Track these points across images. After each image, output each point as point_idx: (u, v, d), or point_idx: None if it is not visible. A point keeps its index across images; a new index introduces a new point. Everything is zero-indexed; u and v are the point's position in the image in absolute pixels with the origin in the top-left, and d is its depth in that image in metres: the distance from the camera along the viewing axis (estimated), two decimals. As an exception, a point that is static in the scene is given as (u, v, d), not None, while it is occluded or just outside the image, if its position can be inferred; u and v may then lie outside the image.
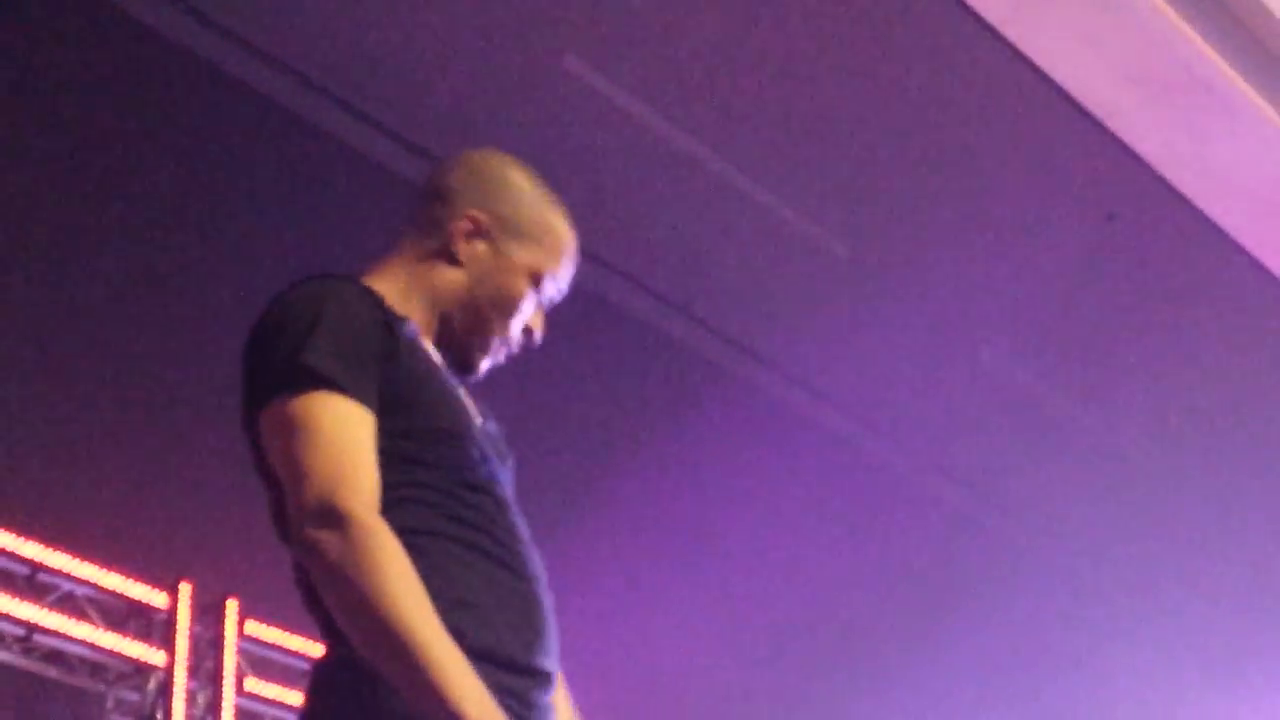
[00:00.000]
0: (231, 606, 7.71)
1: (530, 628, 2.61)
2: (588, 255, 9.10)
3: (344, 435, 2.52)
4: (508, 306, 2.82)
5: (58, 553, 7.23)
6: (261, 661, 7.90)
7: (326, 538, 2.43)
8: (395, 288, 2.78)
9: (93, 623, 7.38)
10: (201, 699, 7.64)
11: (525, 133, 8.34)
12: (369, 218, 8.39)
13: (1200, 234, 8.42)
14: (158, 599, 7.54)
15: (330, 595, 2.46)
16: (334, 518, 2.44)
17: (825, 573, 9.59)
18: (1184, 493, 10.67)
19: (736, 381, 9.67)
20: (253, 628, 7.78)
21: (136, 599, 7.50)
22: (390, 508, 2.52)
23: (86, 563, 7.32)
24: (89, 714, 7.50)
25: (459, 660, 2.39)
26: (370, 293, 2.69)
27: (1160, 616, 11.14)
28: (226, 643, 7.67)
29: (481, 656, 2.47)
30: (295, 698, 7.90)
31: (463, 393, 2.80)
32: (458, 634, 2.45)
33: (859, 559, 9.83)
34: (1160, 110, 7.54)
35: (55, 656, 7.37)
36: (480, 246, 2.82)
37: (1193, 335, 9.52)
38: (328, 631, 2.62)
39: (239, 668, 7.73)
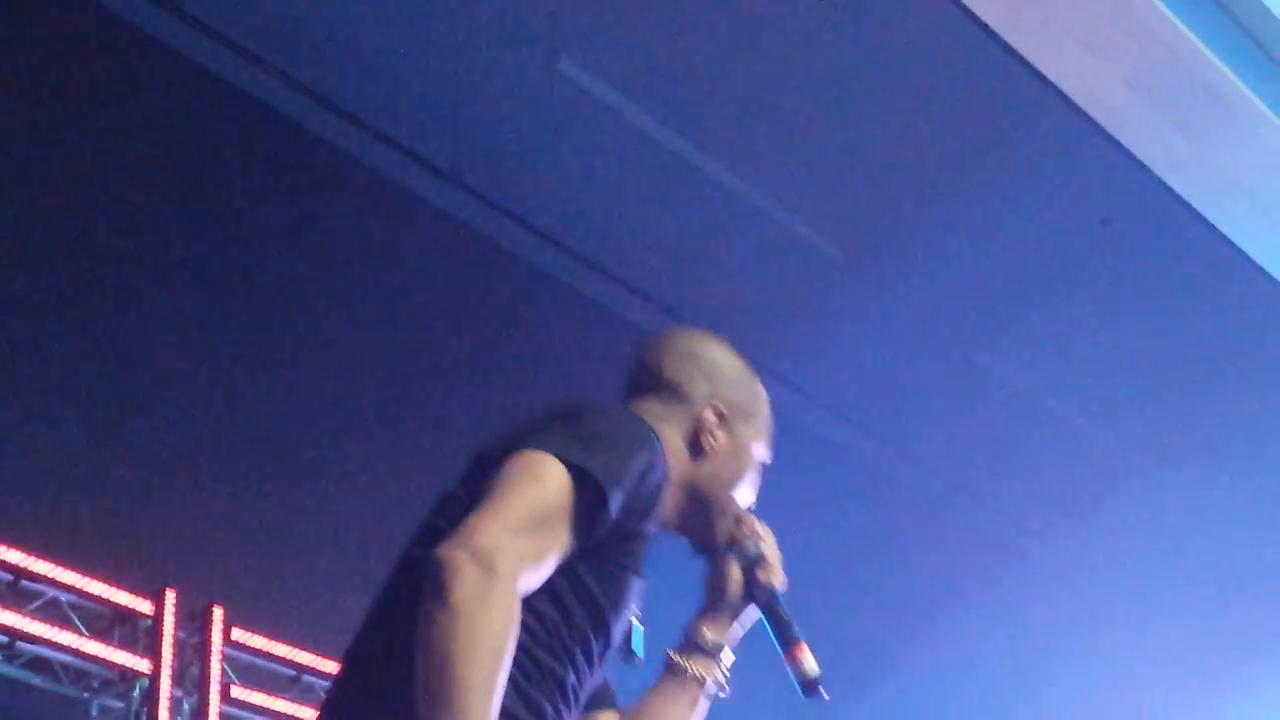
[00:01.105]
0: (217, 614, 7.64)
1: None
2: (582, 261, 9.05)
3: (555, 531, 2.52)
4: (741, 487, 2.94)
5: (41, 560, 7.16)
6: (247, 669, 7.84)
7: (471, 573, 2.39)
8: None
9: (76, 630, 7.31)
10: (187, 706, 7.59)
11: (519, 136, 8.28)
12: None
13: (1199, 237, 8.38)
14: (142, 606, 7.47)
15: (429, 621, 2.39)
16: (490, 564, 2.40)
17: (820, 573, 9.55)
18: (1179, 497, 10.64)
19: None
20: (238, 635, 7.71)
21: (121, 606, 7.44)
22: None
23: (70, 570, 7.25)
24: (73, 721, 7.44)
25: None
26: (666, 464, 2.73)
27: (1147, 610, 11.11)
28: (212, 650, 7.61)
29: None
30: (281, 705, 7.86)
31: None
32: None
33: (853, 559, 9.79)
34: (1159, 114, 7.49)
35: (39, 664, 7.30)
36: (723, 436, 2.90)
37: (1191, 338, 9.48)
38: (368, 667, 2.64)
39: (224, 675, 7.66)
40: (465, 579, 2.38)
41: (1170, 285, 9.11)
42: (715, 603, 2.99)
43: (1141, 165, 7.89)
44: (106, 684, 7.48)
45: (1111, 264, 9.00)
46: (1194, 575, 10.87)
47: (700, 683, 2.96)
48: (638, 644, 2.87)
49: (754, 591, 2.96)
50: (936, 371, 9.80)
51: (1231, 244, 8.46)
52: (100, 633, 7.42)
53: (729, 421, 2.91)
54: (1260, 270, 8.68)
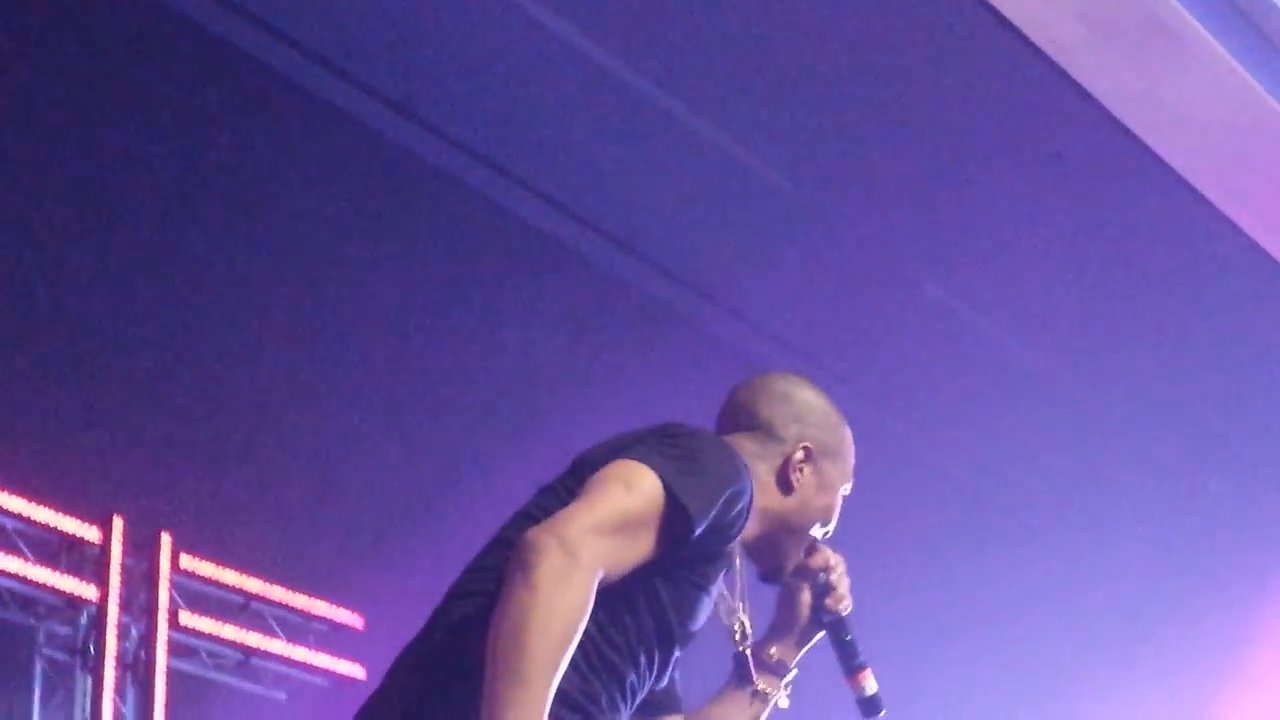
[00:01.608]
0: (165, 540, 7.63)
1: None
2: (531, 191, 9.02)
3: (637, 539, 2.73)
4: (826, 521, 3.15)
5: (-13, 486, 7.13)
6: (196, 596, 7.84)
7: (557, 555, 2.59)
8: None
9: (23, 557, 7.29)
10: (135, 633, 7.59)
11: (471, 67, 8.23)
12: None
13: (1149, 172, 8.39)
14: (90, 533, 7.45)
15: (511, 592, 2.59)
16: (574, 552, 2.61)
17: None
18: (1127, 430, 10.69)
19: (680, 318, 9.61)
20: (187, 562, 7.71)
21: (68, 533, 7.41)
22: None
23: (16, 496, 7.22)
24: (19, 649, 7.42)
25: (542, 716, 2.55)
26: (751, 498, 2.91)
27: (1098, 547, 11.17)
28: (160, 577, 7.60)
29: None
30: (229, 631, 7.87)
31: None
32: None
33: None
34: (1111, 48, 7.49)
35: (-15, 591, 7.29)
36: (809, 474, 3.10)
37: (1140, 271, 9.50)
38: (440, 667, 2.79)
39: (173, 602, 7.66)
40: (549, 560, 2.58)
41: (1119, 220, 9.13)
42: (785, 624, 3.24)
43: (1092, 99, 7.88)
44: (54, 611, 7.46)
45: (1062, 197, 9.00)
46: (1142, 507, 10.94)
47: (765, 699, 3.21)
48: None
49: (822, 617, 3.19)
50: (885, 302, 9.81)
51: (1181, 179, 8.47)
52: (47, 559, 7.40)
53: (816, 460, 3.10)
54: (1210, 206, 8.70)
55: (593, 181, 8.99)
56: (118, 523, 7.49)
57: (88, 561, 7.49)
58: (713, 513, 2.78)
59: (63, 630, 7.50)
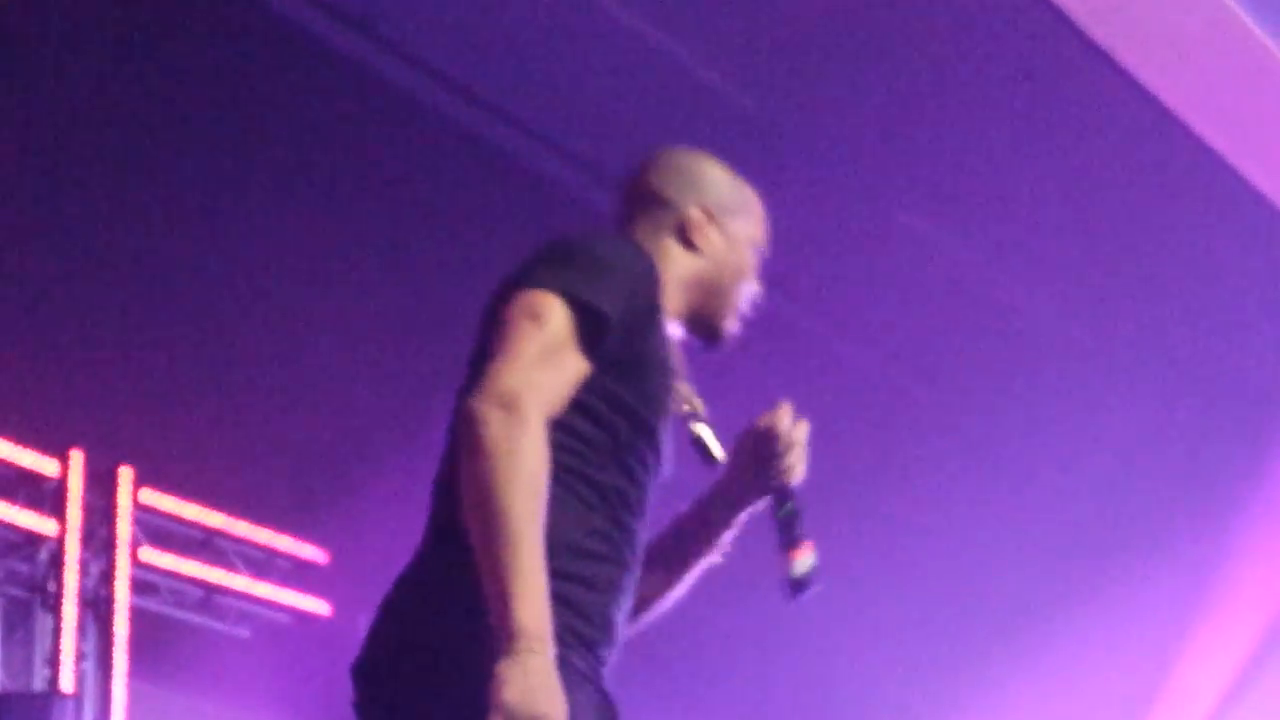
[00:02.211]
0: (125, 474, 7.57)
1: (611, 603, 2.82)
2: (490, 110, 8.87)
3: (564, 359, 2.75)
4: (745, 277, 3.19)
5: (-59, 420, 7.04)
6: (156, 531, 7.78)
7: (495, 415, 2.63)
8: None
9: (-22, 492, 7.21)
10: (95, 569, 7.54)
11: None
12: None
13: (1119, 89, 8.33)
14: (48, 467, 7.40)
15: (467, 468, 2.64)
16: (511, 405, 2.65)
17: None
18: (1100, 359, 10.67)
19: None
20: (147, 496, 7.64)
21: (25, 467, 7.36)
22: (555, 446, 2.70)
23: (-28, 430, 7.14)
24: (-23, 585, 7.36)
25: (540, 579, 2.57)
26: (657, 271, 2.96)
27: (1066, 481, 11.18)
28: (120, 511, 7.55)
29: (563, 602, 2.65)
30: (191, 567, 7.82)
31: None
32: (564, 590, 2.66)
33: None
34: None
35: (-59, 527, 7.21)
36: (713, 233, 3.14)
37: (1115, 193, 9.43)
38: (435, 542, 2.82)
39: (134, 537, 7.59)
40: (491, 424, 2.62)
41: (1091, 138, 9.04)
42: (730, 480, 3.20)
43: (1066, 17, 7.80)
44: (12, 547, 7.43)
45: (1031, 115, 8.92)
46: (1114, 439, 10.92)
47: (702, 555, 3.21)
48: (715, 447, 3.16)
49: (768, 482, 3.15)
50: (854, 229, 9.73)
51: (1152, 96, 8.41)
52: (4, 494, 7.34)
53: (718, 219, 3.15)
54: (1179, 122, 8.64)
55: (553, 100, 8.88)
56: (76, 456, 7.44)
57: (46, 496, 7.44)
58: (622, 299, 2.82)
59: (22, 567, 7.45)
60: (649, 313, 2.89)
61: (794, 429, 3.17)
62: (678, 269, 3.09)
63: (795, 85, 8.83)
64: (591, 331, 2.77)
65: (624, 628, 2.88)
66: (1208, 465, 10.96)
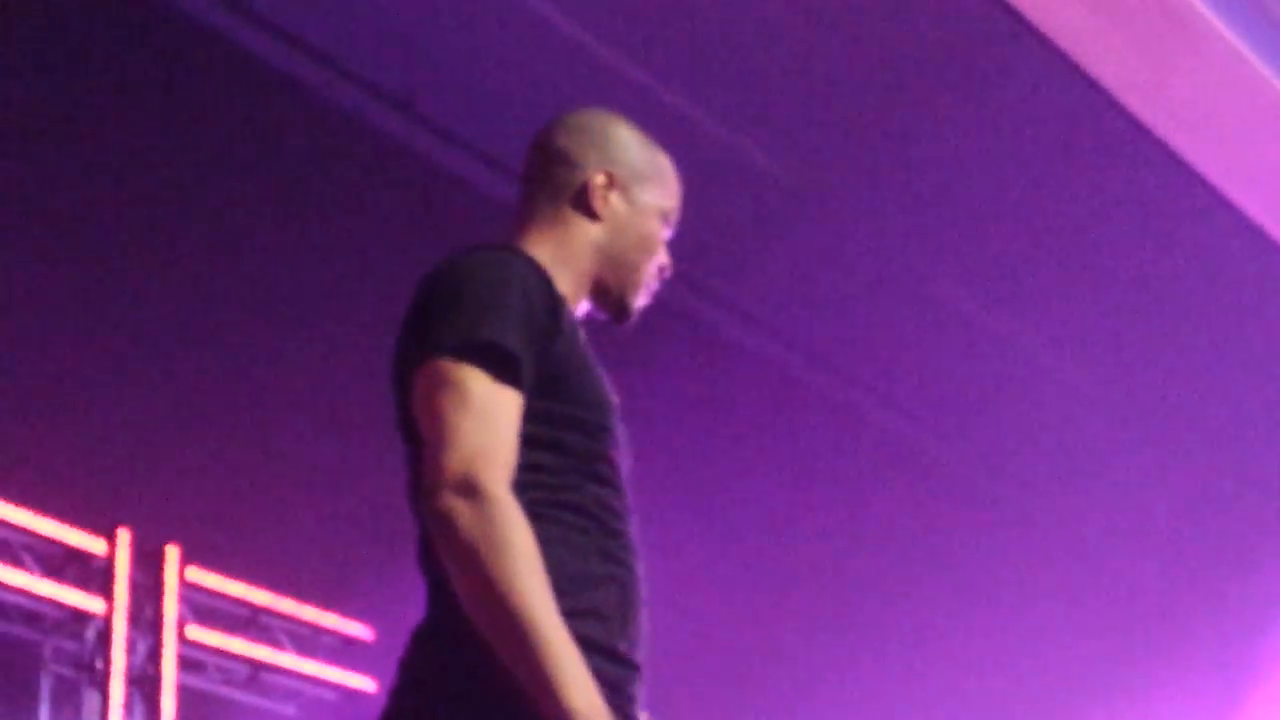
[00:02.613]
0: (172, 553, 7.59)
1: (627, 620, 2.74)
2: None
3: (497, 411, 2.64)
4: (650, 248, 3.02)
5: (-9, 499, 7.08)
6: (203, 609, 7.78)
7: (461, 508, 2.54)
8: (545, 255, 2.91)
9: (28, 570, 7.23)
10: (142, 647, 7.54)
11: (468, 61, 8.16)
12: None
13: (1157, 161, 8.34)
14: (95, 545, 7.41)
15: (455, 566, 2.56)
16: (471, 489, 2.55)
17: (770, 504, 9.54)
18: (1131, 423, 10.64)
19: (684, 315, 9.55)
20: (194, 574, 7.65)
21: (74, 546, 7.37)
22: (514, 489, 2.62)
23: (21, 508, 7.17)
24: (26, 664, 7.37)
25: (573, 652, 2.50)
26: (541, 270, 2.81)
27: (1108, 548, 11.12)
28: (167, 589, 7.55)
29: (583, 644, 2.56)
30: (238, 645, 7.82)
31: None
32: (574, 628, 2.55)
33: (801, 490, 9.77)
34: (1121, 37, 7.44)
35: (-10, 606, 7.23)
36: (615, 199, 2.98)
37: (1150, 265, 9.44)
38: (435, 596, 2.73)
39: (180, 615, 7.60)
40: (460, 517, 2.53)
41: (1127, 210, 9.07)
42: None
43: (1102, 89, 7.83)
44: (60, 625, 7.42)
45: (1070, 188, 8.94)
46: (1154, 508, 10.88)
47: None
48: None
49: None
50: (889, 299, 9.74)
51: (1190, 168, 8.42)
52: (53, 572, 7.36)
53: (622, 185, 3.00)
54: (1217, 193, 8.65)
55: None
56: (124, 535, 7.45)
57: (94, 574, 7.46)
58: (521, 323, 2.69)
59: (69, 645, 7.45)
60: (551, 316, 2.76)
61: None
62: (577, 237, 2.96)
63: (827, 155, 8.87)
64: (507, 368, 2.66)
65: (645, 635, 2.79)
66: (1249, 543, 10.92)
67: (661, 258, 3.05)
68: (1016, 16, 7.32)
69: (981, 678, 10.46)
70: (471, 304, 2.68)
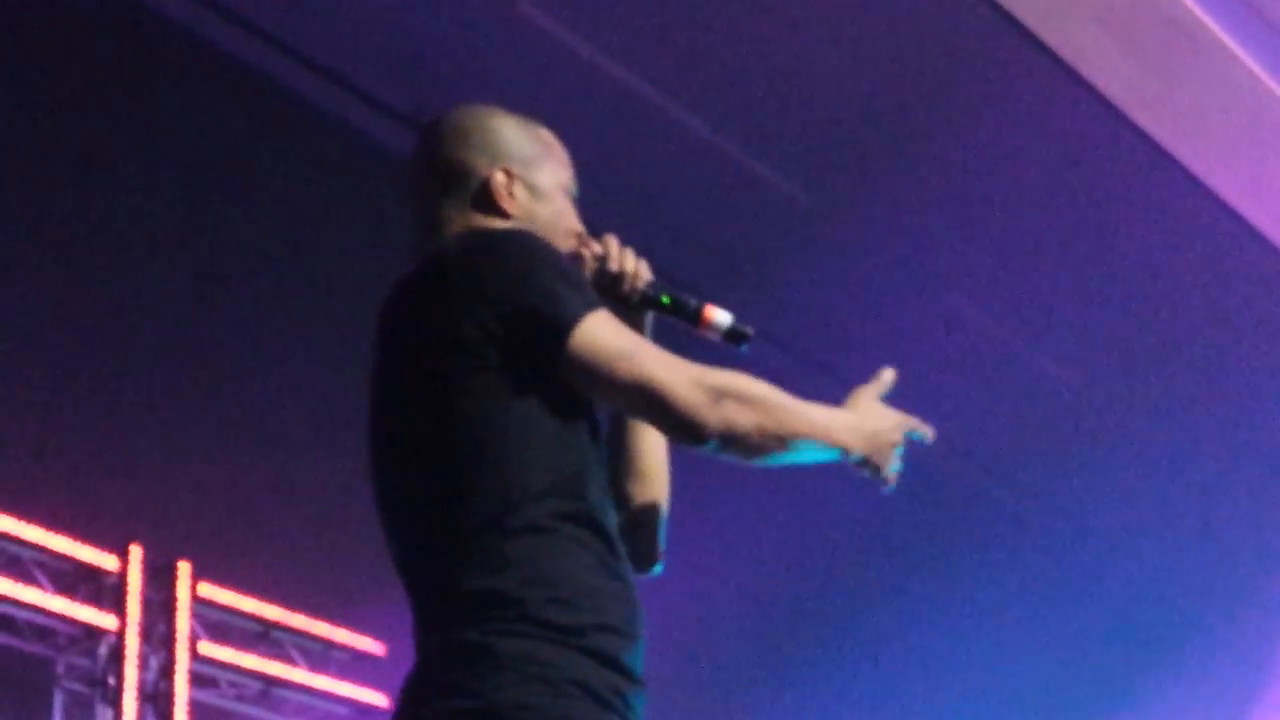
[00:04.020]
0: (184, 569, 7.59)
1: (635, 635, 2.75)
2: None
3: (645, 343, 2.79)
4: (562, 225, 3.03)
5: (4, 516, 7.09)
6: (215, 625, 7.79)
7: (732, 411, 2.71)
8: None
9: (41, 587, 7.25)
10: (154, 663, 7.54)
11: (481, 80, 8.19)
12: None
13: (1166, 174, 8.35)
14: (108, 562, 7.42)
15: (770, 451, 2.77)
16: (717, 395, 2.70)
17: (788, 527, 9.53)
18: (1148, 439, 10.63)
19: (684, 330, 9.55)
20: (205, 590, 7.66)
21: (86, 562, 7.38)
22: (535, 496, 2.69)
23: (34, 526, 7.18)
24: (39, 680, 7.38)
25: (832, 420, 2.87)
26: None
27: (1120, 559, 11.11)
28: (179, 605, 7.56)
29: (598, 658, 2.62)
30: (250, 660, 7.82)
31: None
32: (574, 630, 2.61)
33: (817, 516, 9.77)
34: (1126, 50, 7.45)
35: (3, 622, 7.24)
36: (518, 191, 3.00)
37: (1160, 278, 9.44)
38: (468, 612, 2.68)
39: (192, 631, 7.61)
40: (741, 417, 2.72)
41: (1137, 224, 9.07)
42: None
43: (1108, 103, 7.84)
44: (73, 641, 7.43)
45: (1079, 202, 8.95)
46: (1165, 519, 10.86)
47: None
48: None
49: (630, 302, 3.04)
50: (905, 316, 9.75)
51: (1198, 181, 8.43)
52: (66, 589, 7.37)
53: (518, 176, 3.01)
54: (1225, 206, 8.66)
55: (609, 198, 8.93)
56: (136, 551, 7.46)
57: (106, 591, 7.47)
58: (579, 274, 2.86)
59: (82, 661, 7.46)
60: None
61: (606, 243, 3.06)
62: None
63: (844, 175, 8.89)
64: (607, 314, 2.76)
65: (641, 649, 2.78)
66: (1259, 551, 10.91)
67: (574, 226, 3.07)
68: (1024, 32, 7.33)
69: (986, 683, 10.46)
70: (551, 272, 2.75)
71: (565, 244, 3.00)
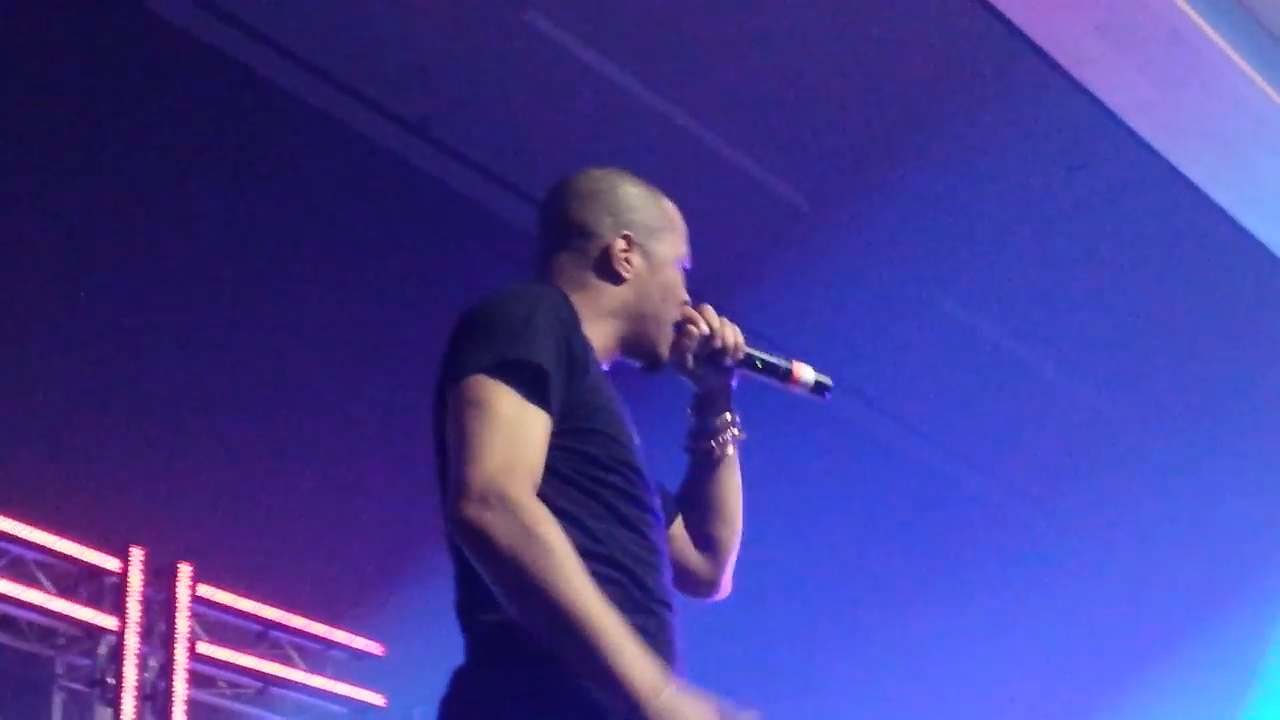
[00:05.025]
0: (183, 570, 7.62)
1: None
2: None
3: (525, 426, 2.69)
4: (674, 297, 3.10)
5: (5, 518, 7.12)
6: (214, 625, 7.82)
7: (492, 519, 2.58)
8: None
9: (42, 588, 7.27)
10: (154, 663, 7.56)
11: (487, 87, 8.20)
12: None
13: (1166, 183, 8.37)
14: (109, 563, 7.44)
15: (496, 575, 2.60)
16: (500, 500, 2.59)
17: (785, 526, 9.56)
18: (1143, 441, 10.64)
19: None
20: (205, 591, 7.69)
21: (87, 563, 7.40)
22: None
23: (36, 527, 7.21)
24: (39, 680, 7.40)
25: (627, 635, 2.57)
26: (573, 307, 2.90)
27: (1119, 562, 11.12)
28: (179, 606, 7.59)
29: None
30: (248, 661, 7.85)
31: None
32: None
33: (818, 513, 9.79)
34: (1127, 59, 7.47)
35: (4, 622, 7.27)
36: (636, 259, 3.06)
37: (1159, 285, 9.46)
38: (470, 622, 2.77)
39: (192, 631, 7.63)
40: (489, 526, 2.57)
41: (1138, 231, 9.10)
42: (706, 397, 3.24)
43: (1109, 111, 7.86)
44: (73, 641, 7.46)
45: (1079, 210, 8.97)
46: (1162, 522, 10.87)
47: (727, 448, 3.26)
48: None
49: (726, 367, 3.14)
50: (904, 321, 9.77)
51: (1198, 189, 8.45)
52: (66, 590, 7.39)
53: (639, 244, 3.07)
54: (1225, 215, 8.68)
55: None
56: (136, 553, 7.48)
57: (106, 592, 7.48)
58: (552, 342, 2.75)
59: (82, 661, 7.48)
60: (582, 349, 2.84)
61: (706, 315, 3.12)
62: (605, 301, 3.03)
63: (844, 181, 8.91)
64: (537, 386, 2.71)
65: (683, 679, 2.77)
66: (1262, 549, 10.92)
67: (683, 297, 3.13)
68: (1024, 39, 7.35)
69: (985, 678, 10.49)
70: (505, 327, 2.75)
71: (674, 315, 3.09)
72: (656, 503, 2.94)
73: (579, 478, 2.78)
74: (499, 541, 2.56)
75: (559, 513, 2.67)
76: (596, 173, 3.16)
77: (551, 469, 2.72)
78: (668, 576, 2.90)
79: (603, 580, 2.68)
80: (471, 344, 2.75)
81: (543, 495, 2.67)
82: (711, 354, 3.10)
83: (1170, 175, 8.26)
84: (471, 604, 2.76)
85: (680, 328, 3.08)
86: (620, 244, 3.04)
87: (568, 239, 3.07)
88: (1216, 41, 7.38)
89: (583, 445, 2.79)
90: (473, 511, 2.58)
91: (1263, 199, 8.58)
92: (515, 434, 2.66)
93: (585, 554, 2.67)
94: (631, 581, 2.78)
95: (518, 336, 2.72)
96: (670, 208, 3.17)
